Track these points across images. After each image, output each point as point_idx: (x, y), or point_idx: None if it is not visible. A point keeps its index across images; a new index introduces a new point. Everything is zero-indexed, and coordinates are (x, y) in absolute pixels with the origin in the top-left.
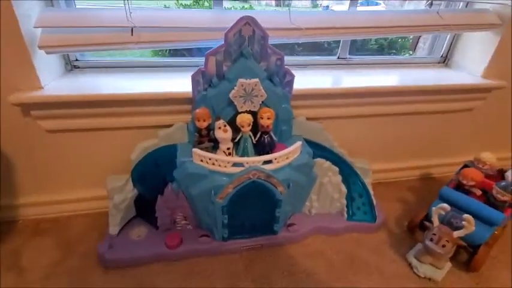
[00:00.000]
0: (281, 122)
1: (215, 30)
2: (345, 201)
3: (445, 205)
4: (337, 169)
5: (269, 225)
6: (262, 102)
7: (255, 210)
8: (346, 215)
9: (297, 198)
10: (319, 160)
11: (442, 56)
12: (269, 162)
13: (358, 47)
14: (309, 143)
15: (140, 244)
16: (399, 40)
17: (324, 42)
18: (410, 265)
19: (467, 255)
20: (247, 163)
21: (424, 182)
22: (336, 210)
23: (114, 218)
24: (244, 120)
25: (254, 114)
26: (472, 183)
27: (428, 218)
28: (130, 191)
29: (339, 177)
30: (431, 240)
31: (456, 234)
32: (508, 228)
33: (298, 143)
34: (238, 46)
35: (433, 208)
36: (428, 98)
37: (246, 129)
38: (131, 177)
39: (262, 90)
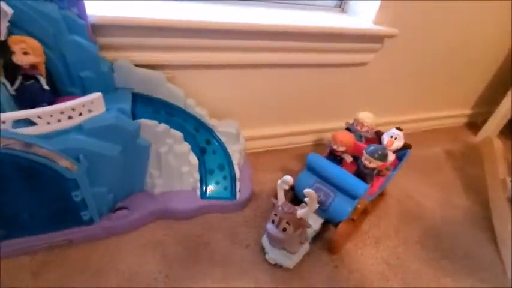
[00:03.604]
0: (75, 63)
1: None
2: (198, 176)
3: (288, 178)
4: (180, 135)
5: (75, 214)
6: (13, 24)
7: (36, 196)
8: (199, 193)
9: (120, 173)
10: (146, 122)
11: None
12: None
13: None
14: (145, 99)
15: None
16: None
17: None
18: (264, 249)
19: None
20: None
21: (318, 148)
22: (190, 186)
23: None
24: None
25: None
26: (342, 148)
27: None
28: None
29: (186, 146)
30: (272, 222)
31: (300, 214)
32: (387, 198)
33: (94, 96)
34: None
35: (278, 182)
36: (316, 46)
37: None
38: None
39: None
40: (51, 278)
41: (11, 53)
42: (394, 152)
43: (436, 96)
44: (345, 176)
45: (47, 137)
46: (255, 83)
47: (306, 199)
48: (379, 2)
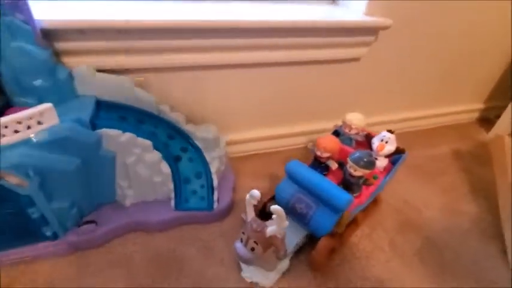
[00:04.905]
0: (24, 72)
1: None
2: (172, 185)
3: (256, 193)
4: (148, 143)
5: (36, 230)
6: None
7: None
8: (173, 203)
9: (84, 186)
10: (108, 132)
11: None
12: None
13: None
14: (111, 106)
15: None
16: None
17: None
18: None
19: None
20: None
21: (308, 151)
22: (165, 196)
23: None
24: None
25: None
26: (326, 154)
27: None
28: None
29: (156, 154)
30: (241, 240)
31: (269, 232)
32: (382, 205)
33: (44, 106)
34: None
35: (246, 197)
36: (304, 41)
37: None
38: None
39: None
40: None
41: None
42: (387, 156)
43: (443, 91)
44: (326, 186)
45: None
46: (238, 84)
47: (273, 216)
48: None
